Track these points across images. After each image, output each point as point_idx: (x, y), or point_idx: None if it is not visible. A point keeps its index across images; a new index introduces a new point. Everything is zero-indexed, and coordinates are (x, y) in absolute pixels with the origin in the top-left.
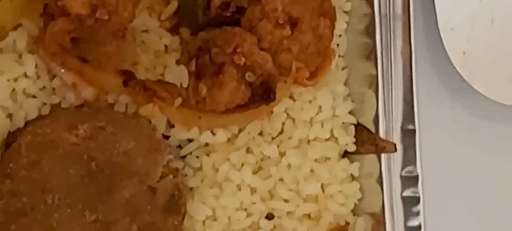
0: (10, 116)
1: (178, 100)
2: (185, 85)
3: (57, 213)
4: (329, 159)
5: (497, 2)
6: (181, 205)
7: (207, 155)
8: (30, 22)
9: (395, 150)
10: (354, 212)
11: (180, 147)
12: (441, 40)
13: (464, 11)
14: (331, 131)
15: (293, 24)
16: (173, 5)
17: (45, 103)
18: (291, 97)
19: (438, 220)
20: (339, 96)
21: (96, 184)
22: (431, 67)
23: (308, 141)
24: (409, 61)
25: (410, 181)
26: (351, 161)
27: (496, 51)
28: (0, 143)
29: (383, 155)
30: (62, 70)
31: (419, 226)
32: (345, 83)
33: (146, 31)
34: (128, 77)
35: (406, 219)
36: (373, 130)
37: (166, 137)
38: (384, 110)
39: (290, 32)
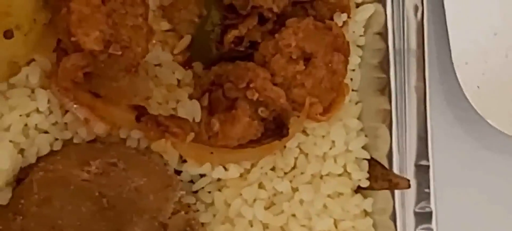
0: (22, 151)
1: (191, 136)
2: (197, 120)
3: None
4: (342, 194)
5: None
6: None
7: (219, 190)
8: (43, 57)
9: (409, 186)
10: None
11: (192, 182)
12: (455, 74)
13: (478, 46)
14: (344, 166)
15: (307, 59)
16: (186, 39)
17: (57, 139)
18: (304, 132)
19: None
20: (353, 131)
21: (107, 221)
22: (445, 102)
23: (321, 176)
24: (423, 96)
25: (423, 217)
26: (364, 197)
27: (510, 85)
28: (12, 178)
29: (396, 191)
30: (75, 105)
31: None
32: (359, 118)
33: (159, 65)
34: (140, 112)
35: None
36: (386, 165)
37: (178, 172)
38: (398, 146)
39: (304, 67)
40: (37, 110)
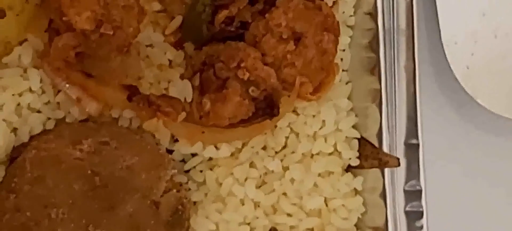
0: (14, 130)
1: (182, 115)
2: (189, 100)
3: (61, 228)
4: (333, 173)
5: (500, 17)
6: (184, 219)
7: (211, 169)
8: (35, 37)
9: (399, 165)
10: (357, 226)
11: (183, 161)
12: (444, 54)
13: (467, 26)
14: (335, 145)
15: (297, 39)
16: (177, 20)
17: (49, 118)
18: (294, 111)
19: None
20: (343, 110)
21: (100, 199)
22: (434, 81)
23: (312, 155)
24: (412, 75)
25: (413, 195)
26: (355, 175)
27: (500, 65)
28: (4, 157)
29: (386, 169)
30: (67, 85)
31: None
32: (349, 98)
33: (151, 45)
34: (132, 92)
35: None
36: (376, 144)
37: (170, 152)
38: (388, 125)
39: (294, 47)
40: (30, 90)
